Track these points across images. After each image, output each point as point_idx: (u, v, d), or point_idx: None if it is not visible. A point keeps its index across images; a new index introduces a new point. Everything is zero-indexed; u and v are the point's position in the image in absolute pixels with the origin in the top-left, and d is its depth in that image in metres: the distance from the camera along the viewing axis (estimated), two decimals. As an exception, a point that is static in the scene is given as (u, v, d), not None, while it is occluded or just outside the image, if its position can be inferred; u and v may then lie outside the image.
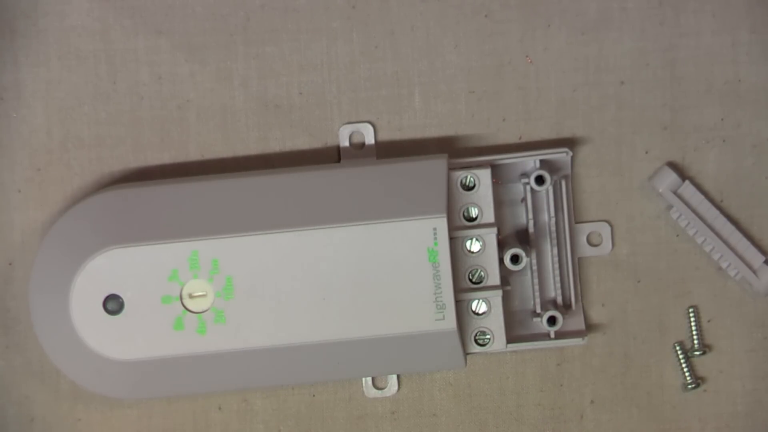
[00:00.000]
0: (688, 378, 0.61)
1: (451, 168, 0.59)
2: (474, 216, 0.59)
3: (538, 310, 0.60)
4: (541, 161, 0.59)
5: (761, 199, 0.62)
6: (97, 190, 0.60)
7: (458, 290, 0.58)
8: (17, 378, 0.61)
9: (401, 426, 0.62)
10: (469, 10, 0.61)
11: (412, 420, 0.62)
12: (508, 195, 0.61)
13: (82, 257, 0.57)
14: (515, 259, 0.58)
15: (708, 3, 0.61)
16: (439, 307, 0.57)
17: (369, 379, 0.61)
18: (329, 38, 0.61)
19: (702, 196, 0.61)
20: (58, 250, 0.58)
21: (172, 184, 0.58)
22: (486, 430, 0.62)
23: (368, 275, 0.57)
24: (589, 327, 0.62)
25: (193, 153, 0.61)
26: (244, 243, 0.57)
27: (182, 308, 0.57)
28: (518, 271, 0.59)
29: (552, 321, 0.59)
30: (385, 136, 0.61)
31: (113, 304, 0.57)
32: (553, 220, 0.59)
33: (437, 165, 0.58)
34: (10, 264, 0.61)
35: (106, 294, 0.57)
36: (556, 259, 0.60)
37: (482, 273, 0.59)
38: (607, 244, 0.62)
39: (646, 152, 0.61)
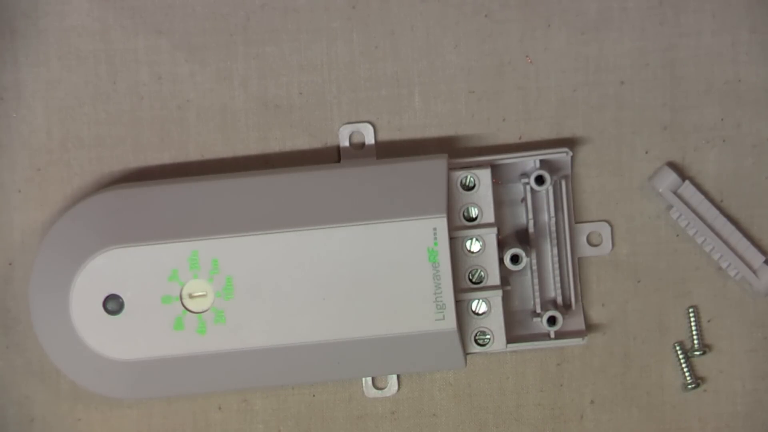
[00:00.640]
0: (688, 378, 0.61)
1: (451, 168, 0.58)
2: (474, 216, 0.59)
3: (538, 310, 0.60)
4: (541, 161, 0.59)
5: (761, 199, 0.62)
6: (97, 190, 0.60)
7: (458, 290, 0.58)
8: (17, 378, 0.61)
9: (401, 426, 0.62)
10: (469, 10, 0.61)
11: (412, 420, 0.62)
12: (508, 195, 0.61)
13: (82, 257, 0.57)
14: (515, 259, 0.58)
15: (708, 3, 0.61)
16: (439, 307, 0.57)
17: (369, 379, 0.61)
18: (329, 38, 0.61)
19: (702, 196, 0.61)
20: (58, 250, 0.58)
21: (172, 184, 0.58)
22: (486, 430, 0.62)
23: (368, 275, 0.57)
24: (589, 327, 0.62)
25: (193, 153, 0.61)
26: (244, 243, 0.57)
27: (182, 308, 0.57)
28: (518, 271, 0.59)
29: (552, 321, 0.59)
30: (385, 136, 0.61)
31: (113, 304, 0.57)
32: (553, 220, 0.59)
33: (437, 165, 0.58)
34: (10, 264, 0.61)
35: (106, 294, 0.57)
36: (556, 259, 0.59)
37: (482, 273, 0.59)
38: (607, 244, 0.62)
39: (646, 152, 0.61)
